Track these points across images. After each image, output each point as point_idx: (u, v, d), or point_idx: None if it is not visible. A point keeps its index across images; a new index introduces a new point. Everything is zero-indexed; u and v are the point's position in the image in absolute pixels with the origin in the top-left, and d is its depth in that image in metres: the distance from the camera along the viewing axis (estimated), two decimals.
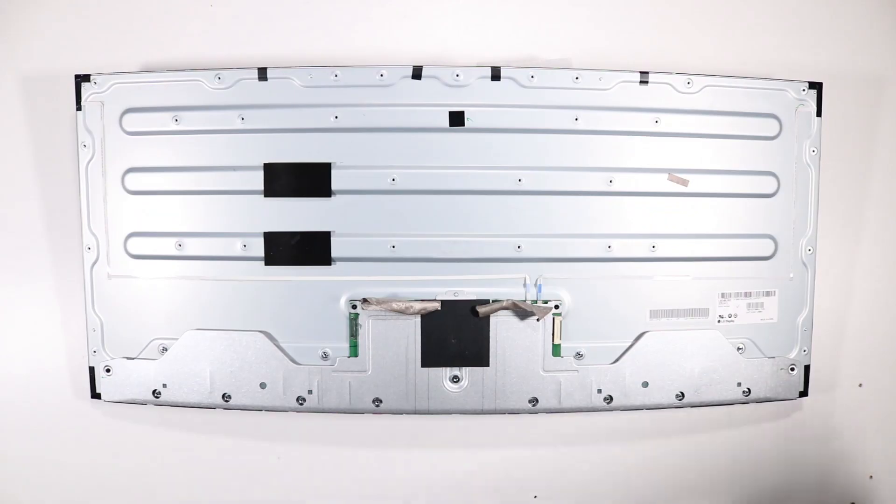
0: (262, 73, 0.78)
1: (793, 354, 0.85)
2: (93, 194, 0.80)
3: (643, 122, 0.80)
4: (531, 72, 0.79)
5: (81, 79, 0.80)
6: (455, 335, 0.79)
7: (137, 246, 0.81)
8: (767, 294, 0.84)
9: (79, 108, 0.80)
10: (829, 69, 0.86)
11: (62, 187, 0.84)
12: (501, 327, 0.80)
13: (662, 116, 0.80)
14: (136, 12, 0.83)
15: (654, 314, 0.82)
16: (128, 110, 0.80)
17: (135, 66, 0.83)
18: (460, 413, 0.80)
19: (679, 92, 0.80)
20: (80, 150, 0.80)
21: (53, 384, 0.86)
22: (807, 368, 0.85)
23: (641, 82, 0.80)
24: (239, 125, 0.79)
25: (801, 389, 0.85)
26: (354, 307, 0.79)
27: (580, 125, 0.80)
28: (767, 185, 0.83)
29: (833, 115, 0.86)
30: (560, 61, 0.82)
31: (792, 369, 0.84)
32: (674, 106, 0.80)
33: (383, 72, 0.78)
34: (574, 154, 0.80)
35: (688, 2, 0.84)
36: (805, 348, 0.85)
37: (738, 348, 0.84)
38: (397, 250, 0.80)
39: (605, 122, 0.80)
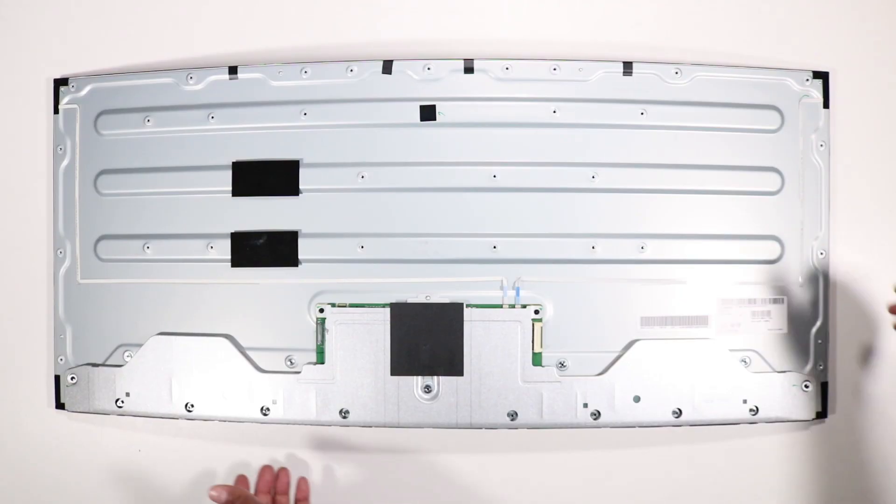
0: (233, 71, 0.77)
1: (807, 370, 0.76)
2: (66, 198, 0.79)
3: (628, 114, 0.75)
4: (506, 63, 0.75)
5: (59, 83, 0.80)
6: (426, 341, 0.74)
7: (107, 249, 0.79)
8: (775, 301, 0.76)
9: (56, 111, 0.80)
10: (837, 57, 0.80)
11: (33, 192, 0.83)
12: (476, 333, 0.74)
13: (649, 108, 0.75)
14: (113, 16, 0.83)
15: (646, 322, 0.75)
16: (102, 112, 0.79)
17: (111, 70, 0.82)
18: (433, 427, 0.74)
19: (666, 82, 0.75)
20: (55, 153, 0.80)
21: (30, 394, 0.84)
22: (824, 386, 0.77)
23: (625, 73, 0.75)
24: (209, 124, 0.77)
25: (819, 409, 0.76)
26: (322, 311, 0.75)
27: (559, 118, 0.75)
28: (770, 181, 0.77)
29: (843, 107, 0.79)
30: (537, 52, 0.78)
31: (806, 386, 0.76)
32: (661, 97, 0.75)
33: (353, 67, 0.76)
34: (553, 148, 0.75)
35: None
36: (821, 363, 0.76)
37: (743, 361, 0.76)
38: (366, 251, 0.76)
39: (587, 115, 0.75)
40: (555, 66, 0.75)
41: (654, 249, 0.75)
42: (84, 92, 0.79)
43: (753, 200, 0.76)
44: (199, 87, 0.78)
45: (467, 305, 0.74)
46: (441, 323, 0.74)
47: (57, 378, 0.79)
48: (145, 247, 0.78)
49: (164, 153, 0.78)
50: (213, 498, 0.65)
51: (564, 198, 0.75)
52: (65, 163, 0.79)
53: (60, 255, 0.79)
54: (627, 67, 0.75)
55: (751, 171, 0.76)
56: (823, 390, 0.77)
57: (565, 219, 0.75)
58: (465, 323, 0.74)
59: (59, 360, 0.79)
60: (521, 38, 0.80)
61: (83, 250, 0.79)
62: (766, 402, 0.75)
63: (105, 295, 0.79)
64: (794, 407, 0.76)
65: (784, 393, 0.76)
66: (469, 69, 0.75)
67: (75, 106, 0.79)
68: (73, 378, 0.78)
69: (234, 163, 0.77)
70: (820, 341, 0.76)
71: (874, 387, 0.81)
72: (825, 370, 0.77)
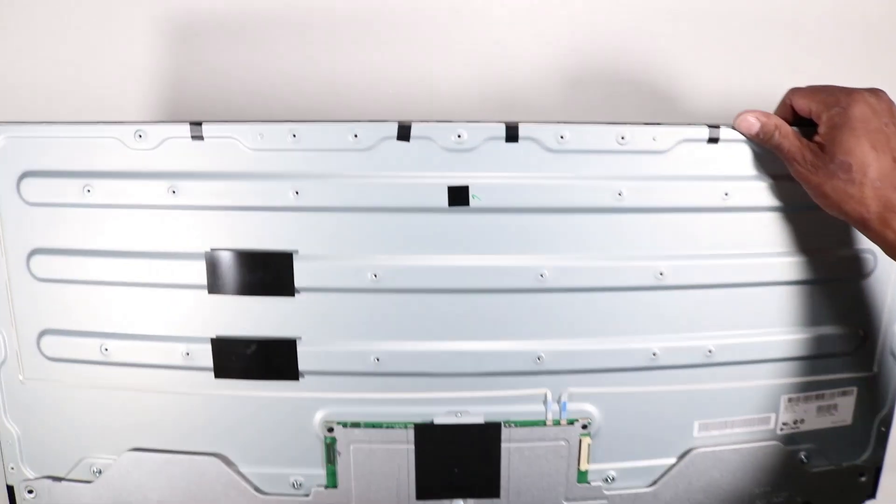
0: (196, 129, 0.58)
1: (864, 458, 0.70)
2: None
3: (709, 195, 0.60)
4: (561, 129, 0.58)
5: None
6: (458, 463, 0.64)
7: (54, 346, 0.63)
8: (844, 394, 0.68)
9: None
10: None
11: None
12: (515, 453, 0.64)
13: (732, 187, 0.60)
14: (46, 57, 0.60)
15: (704, 427, 0.66)
16: (27, 174, 0.60)
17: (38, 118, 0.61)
18: None
19: (759, 154, 0.60)
20: None
21: None
22: (877, 471, 0.71)
23: (710, 140, 0.59)
24: (170, 200, 0.59)
25: (869, 492, 0.71)
26: (331, 430, 0.63)
27: (626, 202, 0.60)
28: (862, 265, 0.65)
29: None
30: (600, 115, 0.60)
31: (861, 475, 0.70)
32: (749, 173, 0.60)
33: (357, 130, 0.57)
34: (616, 240, 0.60)
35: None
36: (880, 450, 0.70)
37: (802, 460, 0.69)
38: (383, 363, 0.62)
39: (659, 198, 0.60)
40: (623, 134, 0.58)
41: (722, 353, 0.64)
42: None
43: (839, 287, 0.65)
44: (152, 147, 0.58)
45: (505, 424, 0.63)
46: (475, 446, 0.63)
47: (10, 488, 0.67)
48: (103, 348, 0.63)
49: (114, 233, 0.60)
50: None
51: (624, 297, 0.62)
52: None
53: None
54: (714, 133, 0.59)
55: (839, 255, 0.64)
56: (877, 475, 0.71)
57: (623, 322, 0.62)
58: (502, 443, 0.63)
59: (9, 468, 0.66)
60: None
61: (22, 344, 0.64)
62: (821, 495, 0.70)
63: (58, 397, 0.65)
64: (845, 496, 0.71)
65: (839, 484, 0.70)
66: (513, 136, 0.58)
67: None
68: (31, 492, 0.66)
69: (206, 253, 0.60)
70: (883, 429, 0.70)
71: None
72: (882, 456, 0.70)
